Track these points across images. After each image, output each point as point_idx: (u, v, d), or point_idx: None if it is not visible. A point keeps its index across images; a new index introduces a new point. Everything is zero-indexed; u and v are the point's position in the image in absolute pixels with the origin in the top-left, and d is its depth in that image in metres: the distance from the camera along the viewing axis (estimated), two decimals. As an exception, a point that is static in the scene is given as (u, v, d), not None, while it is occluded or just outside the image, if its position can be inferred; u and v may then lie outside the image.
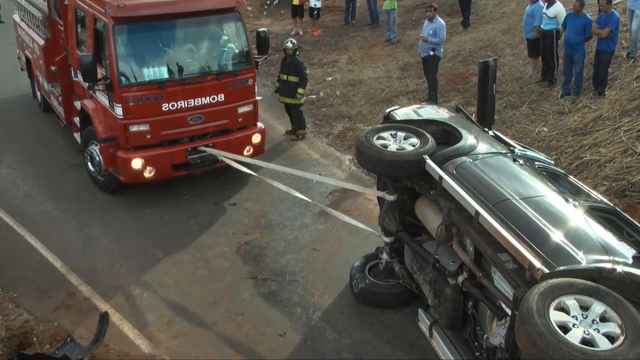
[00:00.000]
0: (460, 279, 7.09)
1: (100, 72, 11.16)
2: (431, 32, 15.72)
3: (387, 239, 8.95)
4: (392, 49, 21.02)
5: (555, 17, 15.23)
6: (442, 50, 16.35)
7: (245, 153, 12.04)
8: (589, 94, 14.33)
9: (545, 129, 13.26)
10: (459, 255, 7.07)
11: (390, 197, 8.50)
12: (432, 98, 16.03)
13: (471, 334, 7.26)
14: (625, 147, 11.32)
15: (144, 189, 12.15)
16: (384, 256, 9.12)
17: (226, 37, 12.12)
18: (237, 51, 12.06)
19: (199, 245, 10.61)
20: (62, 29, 13.33)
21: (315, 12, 23.88)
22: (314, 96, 17.44)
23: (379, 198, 9.58)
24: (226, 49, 12.07)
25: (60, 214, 11.49)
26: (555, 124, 13.39)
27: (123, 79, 10.92)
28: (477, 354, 7.07)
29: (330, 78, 18.91)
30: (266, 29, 12.97)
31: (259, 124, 12.49)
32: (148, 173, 11.36)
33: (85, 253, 10.41)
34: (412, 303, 8.78)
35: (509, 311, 6.08)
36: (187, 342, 8.47)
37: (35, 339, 8.24)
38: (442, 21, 16.09)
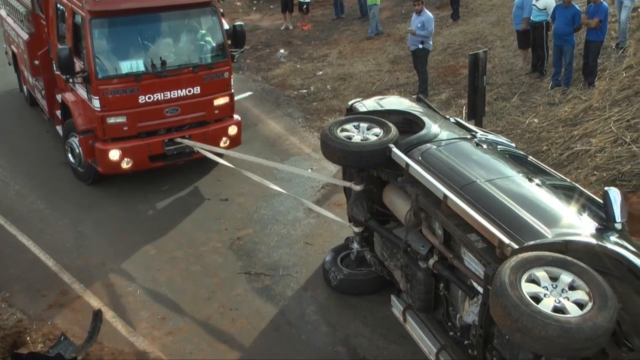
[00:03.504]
0: (431, 262, 7.23)
1: (79, 65, 11.38)
2: (419, 25, 15.70)
3: (356, 229, 9.07)
4: (382, 43, 21.02)
5: (545, 9, 15.23)
6: (431, 43, 16.34)
7: (221, 144, 12.25)
8: (579, 84, 14.37)
9: (535, 120, 13.29)
10: (428, 239, 7.24)
11: (357, 187, 8.59)
12: (423, 91, 16.03)
13: (444, 315, 7.42)
14: (615, 137, 11.36)
15: (136, 186, 12.18)
16: (355, 246, 9.26)
17: (202, 31, 12.30)
18: (212, 45, 12.24)
19: (191, 241, 10.60)
20: (45, 23, 13.43)
21: (305, 6, 23.81)
22: (304, 91, 17.44)
23: (345, 189, 9.70)
24: (202, 43, 12.26)
25: (51, 212, 11.46)
26: (546, 115, 13.42)
27: (100, 71, 11.12)
28: (450, 333, 7.23)
29: (320, 72, 18.90)
30: (242, 23, 13.08)
31: (236, 116, 12.67)
32: (125, 164, 11.58)
33: (77, 251, 10.39)
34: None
35: (480, 289, 6.28)
36: (181, 339, 8.46)
37: (28, 338, 8.25)
38: (430, 14, 16.07)
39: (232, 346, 8.36)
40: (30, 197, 11.94)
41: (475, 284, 6.52)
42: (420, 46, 15.84)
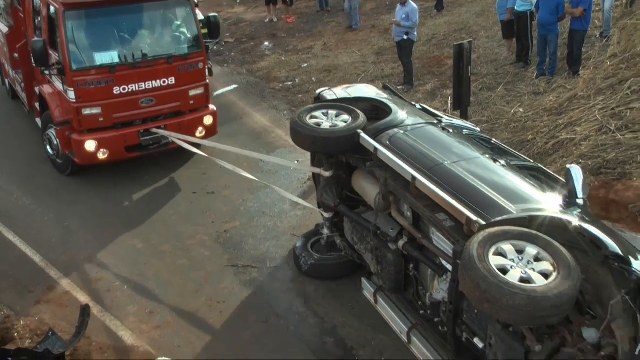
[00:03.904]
0: (401, 243, 7.42)
1: (55, 57, 11.44)
2: (404, 16, 15.69)
3: (326, 215, 9.24)
4: (366, 34, 21.03)
5: (529, -1, 15.29)
6: (415, 34, 16.34)
7: (197, 134, 12.34)
8: (564, 74, 14.43)
9: (521, 110, 13.34)
10: (397, 222, 7.46)
11: (327, 174, 8.77)
12: (408, 82, 16.06)
13: (414, 295, 7.63)
14: (600, 125, 11.40)
15: (121, 180, 12.16)
16: (325, 231, 9.41)
17: (176, 22, 12.39)
18: (187, 36, 12.32)
19: (178, 235, 10.58)
20: (23, 16, 13.45)
21: (289, -2, 23.72)
22: (289, 83, 17.42)
23: (314, 176, 9.80)
24: (176, 34, 12.36)
25: (37, 208, 11.40)
26: (531, 105, 13.47)
27: (74, 63, 11.19)
28: (421, 312, 7.45)
29: (305, 65, 18.87)
30: (216, 14, 13.21)
31: (211, 106, 12.75)
32: (102, 155, 11.65)
33: (64, 246, 10.34)
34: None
35: (449, 267, 6.48)
36: (169, 332, 8.46)
37: (16, 334, 8.21)
38: (414, 5, 16.04)
39: (221, 339, 8.37)
40: (15, 193, 11.88)
41: (444, 262, 6.74)
42: (405, 37, 15.82)
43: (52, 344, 7.57)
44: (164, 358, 6.39)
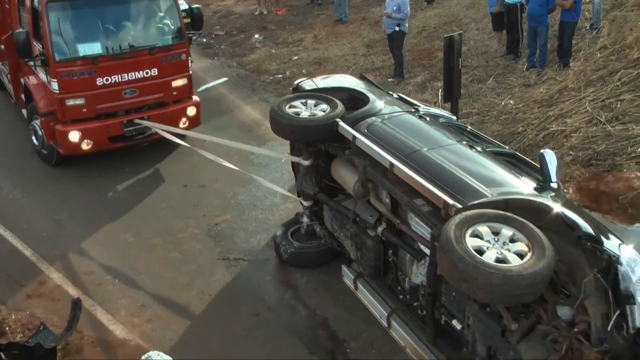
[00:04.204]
0: (380, 229, 7.61)
1: (39, 48, 11.52)
2: (395, 8, 15.64)
3: (306, 203, 9.36)
4: (357, 27, 20.99)
5: (519, -10, 15.30)
6: (406, 25, 16.31)
7: (181, 125, 12.43)
8: (554, 65, 14.45)
9: (511, 102, 13.36)
10: (376, 208, 7.66)
11: (306, 162, 8.90)
12: (399, 74, 16.06)
13: (394, 280, 7.84)
14: (590, 117, 11.45)
15: (111, 173, 12.15)
16: (305, 219, 9.53)
17: (159, 14, 12.45)
18: (169, 27, 12.39)
19: (169, 228, 10.57)
20: (8, 7, 13.47)
21: (279, -10, 23.65)
22: (280, 76, 17.38)
23: (294, 166, 9.92)
24: (159, 25, 12.44)
25: (28, 202, 11.37)
26: (522, 97, 13.49)
27: (57, 54, 11.26)
28: (400, 297, 7.65)
29: (296, 57, 18.83)
30: (199, 6, 13.31)
31: (195, 97, 12.82)
32: (86, 145, 11.75)
33: (55, 240, 10.31)
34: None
35: (427, 251, 6.71)
36: (161, 326, 8.46)
37: (7, 328, 8.19)
38: (405, -4, 16.03)
39: (212, 331, 8.37)
40: (5, 187, 11.82)
41: (422, 247, 6.92)
42: (397, 29, 15.78)
43: (44, 338, 7.58)
44: (155, 351, 6.38)
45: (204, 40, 21.12)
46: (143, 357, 6.16)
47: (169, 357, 6.11)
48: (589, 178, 9.88)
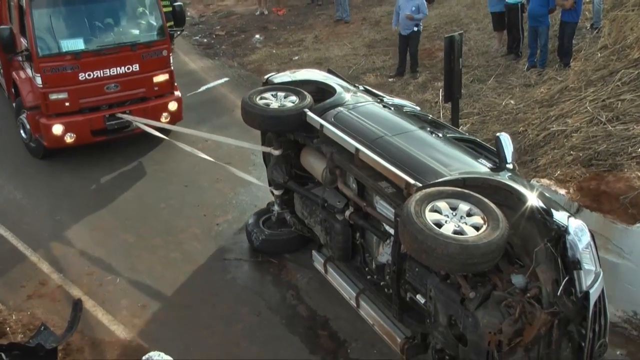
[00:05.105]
0: (347, 213, 7.98)
1: (24, 44, 11.95)
2: (414, 8, 15.58)
3: (276, 192, 9.76)
4: (357, 27, 20.97)
5: (520, -10, 15.28)
6: (421, 25, 16.37)
7: (162, 120, 12.73)
8: (555, 65, 14.42)
9: (512, 102, 13.34)
10: (344, 194, 8.06)
11: (276, 152, 9.30)
12: (414, 71, 16.13)
13: (361, 262, 8.23)
14: (590, 116, 11.42)
15: (112, 173, 12.19)
16: (275, 208, 9.93)
17: (140, 11, 12.78)
18: (151, 24, 12.73)
19: (170, 228, 10.58)
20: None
21: (279, -10, 23.63)
22: (281, 76, 17.33)
23: (264, 156, 10.18)
24: (140, 22, 12.82)
25: (28, 202, 11.37)
26: (522, 97, 13.47)
27: (40, 50, 11.62)
28: (368, 277, 8.03)
29: (296, 57, 18.82)
30: (181, 3, 13.56)
31: (176, 93, 13.13)
32: (69, 138, 12.10)
33: (55, 241, 10.32)
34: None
35: (392, 231, 7.07)
36: (162, 326, 8.48)
37: (8, 328, 8.21)
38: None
39: (213, 332, 8.38)
40: (5, 187, 11.83)
41: (387, 227, 7.36)
42: (415, 29, 15.84)
43: (45, 338, 7.57)
44: (156, 352, 6.37)
45: (205, 40, 21.14)
46: (144, 358, 6.15)
47: (170, 358, 6.10)
48: (589, 178, 9.85)
